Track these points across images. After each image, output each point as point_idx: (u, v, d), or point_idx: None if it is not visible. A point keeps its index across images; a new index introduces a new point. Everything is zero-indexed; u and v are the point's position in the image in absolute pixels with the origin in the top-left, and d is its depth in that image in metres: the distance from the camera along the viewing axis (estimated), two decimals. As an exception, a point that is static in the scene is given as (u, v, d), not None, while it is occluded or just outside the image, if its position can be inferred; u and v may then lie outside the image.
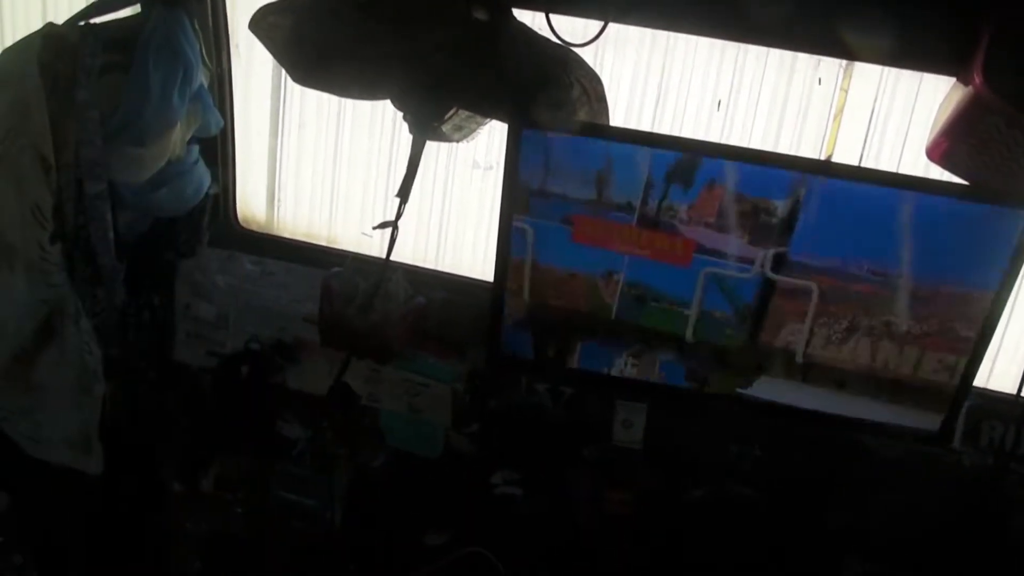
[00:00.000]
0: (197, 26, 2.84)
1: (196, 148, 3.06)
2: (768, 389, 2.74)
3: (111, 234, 2.98)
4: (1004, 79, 2.10)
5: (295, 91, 3.15)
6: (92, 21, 2.82)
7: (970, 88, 2.16)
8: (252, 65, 3.15)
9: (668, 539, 3.14)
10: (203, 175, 3.12)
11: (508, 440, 3.17)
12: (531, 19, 2.58)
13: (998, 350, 2.83)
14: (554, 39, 2.51)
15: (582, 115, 2.53)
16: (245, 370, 3.34)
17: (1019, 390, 2.68)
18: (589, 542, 3.17)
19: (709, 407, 2.81)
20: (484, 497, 3.20)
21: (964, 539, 2.90)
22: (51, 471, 3.05)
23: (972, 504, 2.90)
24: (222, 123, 3.06)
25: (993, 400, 2.85)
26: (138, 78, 2.71)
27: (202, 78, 2.88)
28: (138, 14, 2.82)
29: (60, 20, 2.80)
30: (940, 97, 2.45)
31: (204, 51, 2.90)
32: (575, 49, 2.52)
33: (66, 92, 2.74)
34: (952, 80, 2.38)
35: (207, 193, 3.17)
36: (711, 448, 3.05)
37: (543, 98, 2.48)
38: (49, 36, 2.74)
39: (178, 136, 2.88)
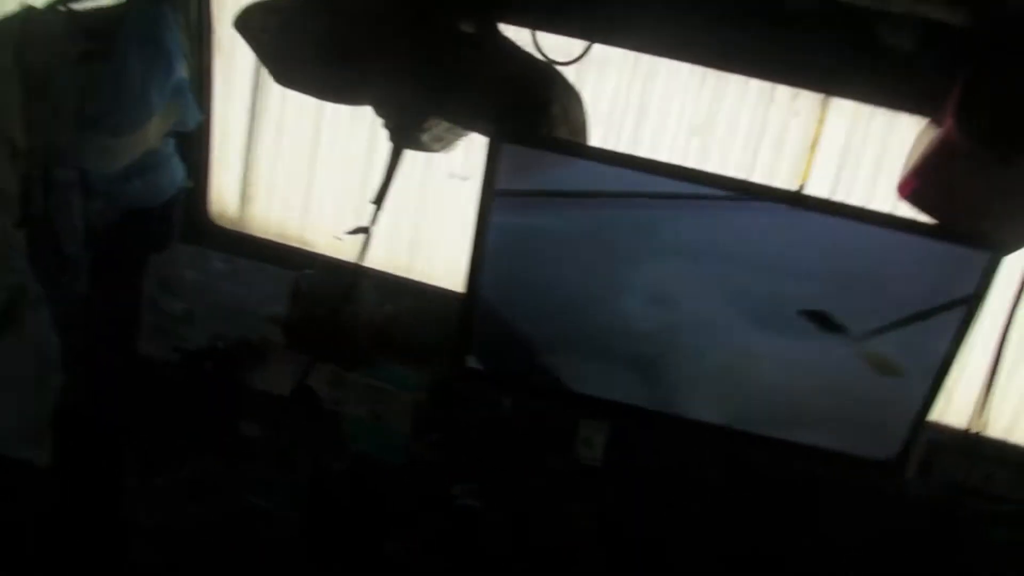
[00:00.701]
0: (181, 20, 2.83)
1: (172, 142, 3.04)
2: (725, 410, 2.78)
3: (79, 222, 2.95)
4: (976, 123, 2.15)
5: (275, 91, 3.13)
6: (72, 7, 2.79)
7: (942, 130, 2.20)
8: (233, 62, 3.13)
9: (627, 556, 3.16)
10: (178, 169, 3.10)
11: (470, 451, 3.18)
12: (517, 35, 2.60)
13: (955, 385, 2.87)
14: (538, 56, 2.54)
15: (562, 133, 2.55)
16: (209, 367, 3.32)
17: (973, 425, 2.72)
18: (547, 557, 3.18)
19: (669, 428, 2.83)
20: (444, 507, 3.20)
21: (915, 571, 2.96)
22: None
23: (923, 536, 2.95)
24: (200, 118, 3.04)
25: (947, 434, 2.91)
26: (118, 68, 2.69)
27: (183, 72, 2.87)
28: (121, 3, 2.78)
29: (40, 4, 2.76)
30: (912, 136, 2.50)
31: (186, 46, 2.88)
32: (558, 67, 2.54)
33: (42, 77, 2.71)
34: (925, 120, 2.43)
35: (180, 187, 3.15)
36: (671, 470, 3.07)
37: (524, 114, 2.50)
38: (28, 20, 2.71)
39: (155, 129, 2.86)
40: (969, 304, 2.49)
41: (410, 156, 2.72)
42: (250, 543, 3.41)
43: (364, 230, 2.73)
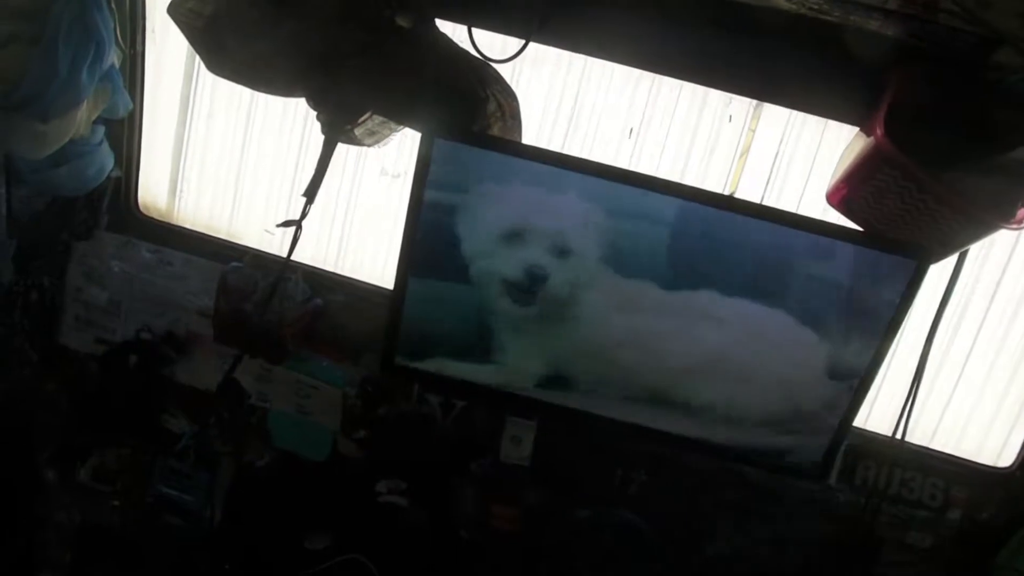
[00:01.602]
0: (113, 5, 2.77)
1: (102, 129, 2.99)
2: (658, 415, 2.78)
3: (3, 208, 2.89)
4: (904, 133, 2.18)
5: (207, 80, 3.10)
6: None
7: (872, 139, 2.24)
8: (165, 49, 3.08)
9: (551, 557, 3.17)
10: (106, 157, 3.05)
11: (396, 449, 3.16)
12: (452, 31, 2.60)
13: (877, 392, 2.92)
14: (474, 53, 2.53)
15: (496, 130, 2.55)
16: (134, 360, 3.26)
17: (894, 432, 2.76)
18: (471, 556, 3.18)
19: (597, 429, 2.84)
20: (368, 504, 3.18)
21: (833, 573, 3.00)
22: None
23: (844, 540, 3.00)
24: (131, 106, 2.99)
25: (870, 440, 2.95)
26: (47, 52, 2.62)
27: (114, 58, 2.81)
28: (51, -15, 2.75)
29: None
30: (843, 143, 2.54)
31: (118, 31, 2.83)
32: (494, 65, 2.54)
33: (-33, 60, 2.65)
34: (856, 129, 2.47)
35: (109, 176, 3.10)
36: (598, 470, 3.09)
37: (458, 110, 2.49)
38: (-47, 2, 2.65)
39: (84, 115, 2.80)
40: (894, 311, 2.53)
41: (342, 150, 2.69)
42: (168, 538, 3.36)
43: (295, 224, 2.70)
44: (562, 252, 2.59)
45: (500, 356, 2.74)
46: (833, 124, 2.70)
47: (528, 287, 2.62)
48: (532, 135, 2.80)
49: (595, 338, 2.70)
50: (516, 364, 2.75)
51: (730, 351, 2.66)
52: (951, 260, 2.54)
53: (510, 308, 2.66)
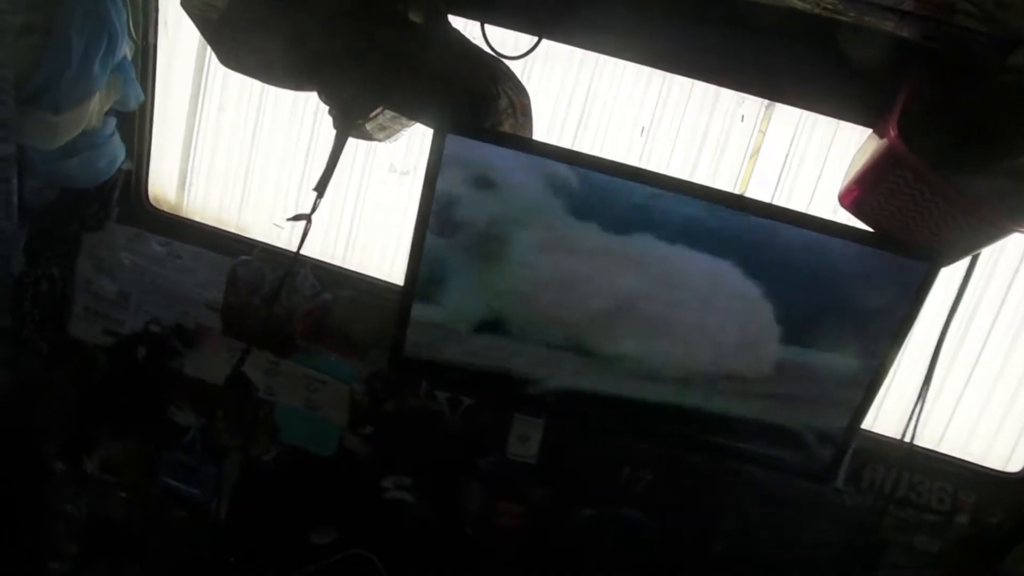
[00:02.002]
0: (127, -4, 2.78)
1: (113, 121, 2.99)
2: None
3: (14, 198, 2.89)
4: (917, 135, 2.17)
5: (218, 73, 3.10)
6: (13, -21, 2.73)
7: (885, 140, 2.23)
8: (177, 42, 3.09)
9: (556, 555, 3.16)
10: (118, 149, 3.05)
11: (403, 445, 3.16)
12: (465, 27, 2.60)
13: (885, 395, 2.91)
14: (486, 49, 2.53)
15: (507, 127, 2.54)
16: (142, 352, 3.27)
17: (903, 435, 2.75)
18: (476, 553, 3.17)
19: (605, 428, 2.83)
20: (374, 500, 3.18)
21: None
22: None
23: (849, 542, 2.99)
24: (143, 98, 2.99)
25: (878, 443, 2.94)
26: (60, 43, 2.63)
27: (126, 50, 2.82)
28: (64, -22, 2.75)
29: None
30: (854, 145, 2.53)
31: (131, 23, 2.83)
32: (506, 61, 2.54)
33: (-21, 50, 2.65)
34: (868, 131, 2.46)
35: (120, 168, 3.10)
36: (604, 469, 3.08)
37: (470, 105, 2.49)
38: (-34, -8, 2.65)
39: (96, 106, 2.80)
40: (904, 313, 2.52)
41: (352, 145, 2.69)
42: (175, 530, 3.36)
43: (304, 218, 2.70)
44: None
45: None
46: (844, 125, 2.69)
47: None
48: (543, 131, 2.80)
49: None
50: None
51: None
52: (963, 263, 2.53)
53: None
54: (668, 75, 2.74)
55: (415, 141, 2.92)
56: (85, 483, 3.38)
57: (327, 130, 2.64)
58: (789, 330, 2.59)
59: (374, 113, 2.57)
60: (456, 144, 2.51)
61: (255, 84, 2.87)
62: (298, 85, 2.69)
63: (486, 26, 2.57)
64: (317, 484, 3.24)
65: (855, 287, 2.53)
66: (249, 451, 3.28)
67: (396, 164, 3.04)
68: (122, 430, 3.35)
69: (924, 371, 2.71)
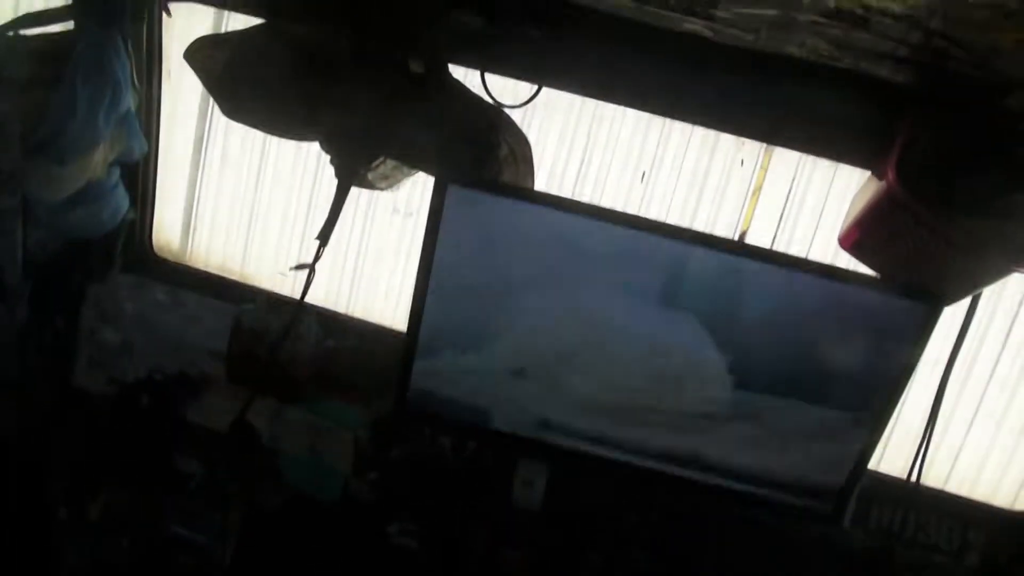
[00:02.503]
0: (130, 48, 2.80)
1: (117, 171, 3.00)
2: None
3: (19, 250, 2.91)
4: (917, 178, 2.19)
5: (221, 123, 3.12)
6: (21, 32, 2.76)
7: (884, 183, 2.24)
8: (181, 93, 3.11)
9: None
10: (122, 199, 3.06)
11: (407, 491, 3.15)
12: (465, 76, 2.62)
13: (891, 434, 2.90)
14: (487, 98, 2.55)
15: (508, 176, 2.56)
16: (146, 400, 3.26)
17: (909, 474, 2.75)
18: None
19: (610, 473, 2.83)
20: (379, 546, 3.16)
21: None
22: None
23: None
24: (146, 149, 3.00)
25: (884, 483, 2.93)
26: (65, 95, 2.65)
27: (130, 101, 2.84)
28: (70, 30, 2.77)
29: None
30: (853, 187, 2.54)
31: (135, 74, 2.86)
32: (506, 110, 2.56)
33: (-14, 102, 2.68)
34: (867, 173, 2.48)
35: (124, 218, 3.11)
36: (610, 514, 3.07)
37: (471, 155, 2.50)
38: (-26, 44, 2.68)
39: (100, 158, 2.82)
40: (907, 354, 2.52)
41: (354, 191, 2.70)
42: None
43: (308, 267, 2.71)
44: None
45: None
46: (844, 167, 2.70)
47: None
48: (544, 179, 2.81)
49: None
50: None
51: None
52: (964, 302, 2.53)
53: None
54: (668, 120, 2.76)
55: (419, 181, 2.92)
56: (89, 531, 3.36)
57: (330, 178, 2.66)
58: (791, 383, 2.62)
59: (376, 163, 2.59)
60: (458, 194, 2.53)
61: (258, 133, 2.89)
62: (300, 135, 2.71)
63: (486, 75, 2.59)
64: (322, 530, 3.22)
65: (857, 330, 2.53)
66: (254, 498, 3.27)
67: (400, 206, 3.06)
68: (126, 477, 3.34)
69: (929, 410, 2.71)
